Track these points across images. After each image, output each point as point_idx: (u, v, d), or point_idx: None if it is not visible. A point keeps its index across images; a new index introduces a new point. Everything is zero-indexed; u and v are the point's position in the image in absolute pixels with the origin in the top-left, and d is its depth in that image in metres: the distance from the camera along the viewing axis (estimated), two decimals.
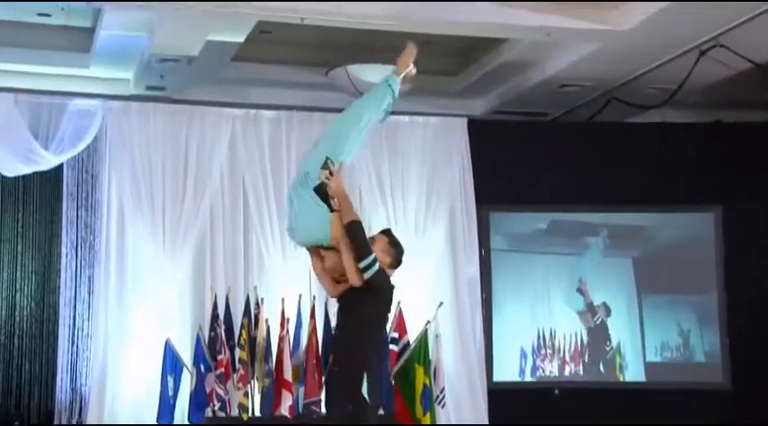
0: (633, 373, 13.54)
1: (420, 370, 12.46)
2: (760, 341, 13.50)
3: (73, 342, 13.15)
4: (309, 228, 6.96)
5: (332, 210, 6.89)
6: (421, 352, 12.50)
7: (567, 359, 13.63)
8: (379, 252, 6.95)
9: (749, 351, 13.57)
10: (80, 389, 12.99)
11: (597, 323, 13.68)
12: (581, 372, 13.51)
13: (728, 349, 13.64)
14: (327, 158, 7.07)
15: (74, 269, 13.16)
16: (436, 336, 12.58)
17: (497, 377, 13.47)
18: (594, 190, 13.76)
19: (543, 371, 13.47)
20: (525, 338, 13.58)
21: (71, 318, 13.16)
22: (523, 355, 13.47)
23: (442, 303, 12.74)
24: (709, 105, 14.37)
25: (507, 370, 13.60)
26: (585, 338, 13.50)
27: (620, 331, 13.60)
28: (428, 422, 12.43)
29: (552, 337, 13.67)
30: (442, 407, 12.53)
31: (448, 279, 13.39)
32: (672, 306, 13.65)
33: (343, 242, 6.80)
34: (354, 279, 6.74)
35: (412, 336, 12.56)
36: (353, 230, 6.76)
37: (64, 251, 13.23)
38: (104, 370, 12.48)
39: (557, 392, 13.37)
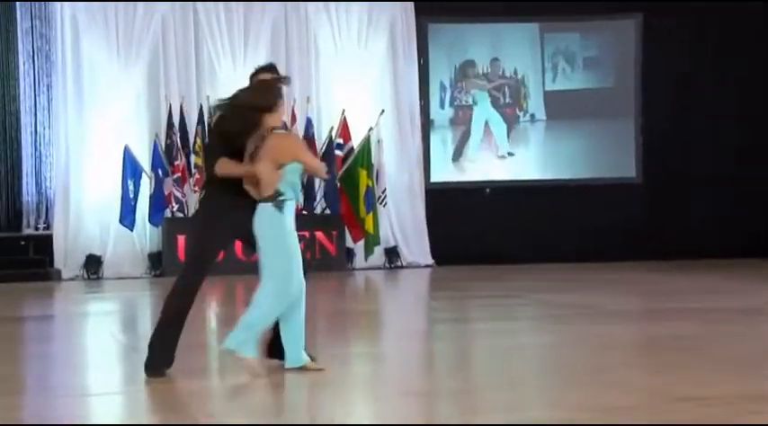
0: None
1: (363, 173, 12.65)
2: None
3: (36, 148, 12.96)
4: None
5: None
6: (364, 157, 12.65)
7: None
8: None
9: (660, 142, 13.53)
10: (45, 192, 12.92)
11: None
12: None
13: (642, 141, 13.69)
14: None
15: (32, 77, 12.81)
16: (378, 141, 12.80)
17: (434, 178, 13.53)
18: (530, 5, 13.34)
19: (460, 101, 13.65)
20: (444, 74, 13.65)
21: (32, 125, 12.92)
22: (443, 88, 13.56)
23: (383, 110, 12.85)
24: None
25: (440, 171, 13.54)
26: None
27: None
28: (371, 221, 12.52)
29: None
30: (384, 206, 12.79)
31: (389, 87, 13.19)
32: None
33: None
34: None
35: (356, 142, 12.67)
36: None
37: (21, 59, 12.74)
38: (67, 175, 12.41)
39: (488, 190, 13.42)
